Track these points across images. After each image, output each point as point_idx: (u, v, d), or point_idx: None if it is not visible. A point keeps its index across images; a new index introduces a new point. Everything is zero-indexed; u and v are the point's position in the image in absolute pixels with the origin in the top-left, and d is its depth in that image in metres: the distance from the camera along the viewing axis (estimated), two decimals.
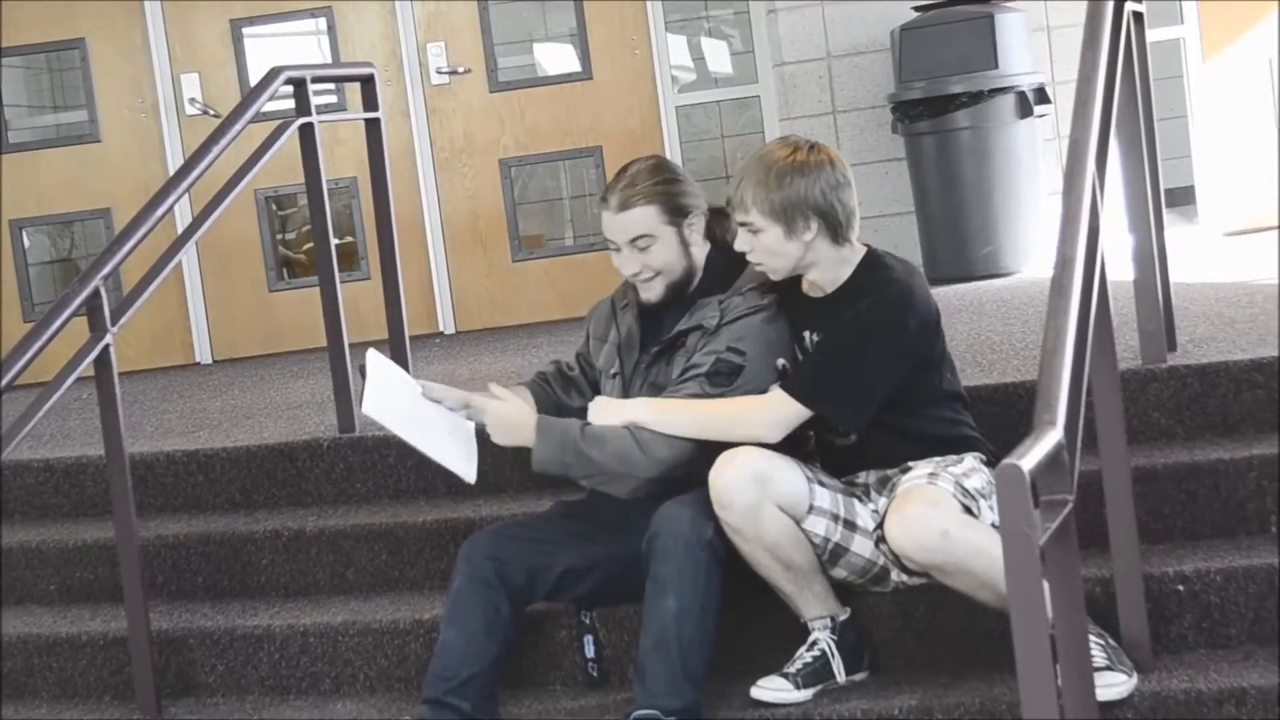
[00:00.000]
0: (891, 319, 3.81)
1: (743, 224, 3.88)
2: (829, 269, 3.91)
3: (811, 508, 3.80)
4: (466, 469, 4.02)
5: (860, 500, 3.89)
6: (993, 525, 3.72)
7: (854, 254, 3.92)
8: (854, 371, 3.79)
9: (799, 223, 3.83)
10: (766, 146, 3.95)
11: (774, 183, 3.83)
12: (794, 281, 3.98)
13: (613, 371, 4.16)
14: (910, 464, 3.86)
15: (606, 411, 3.96)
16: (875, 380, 3.80)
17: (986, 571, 3.56)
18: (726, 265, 4.09)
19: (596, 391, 4.21)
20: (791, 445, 3.90)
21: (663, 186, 4.04)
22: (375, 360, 4.09)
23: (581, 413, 4.08)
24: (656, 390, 4.06)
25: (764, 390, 3.92)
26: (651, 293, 4.07)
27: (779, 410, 3.83)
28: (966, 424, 3.94)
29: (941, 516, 3.59)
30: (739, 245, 3.92)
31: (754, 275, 4.04)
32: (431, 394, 4.09)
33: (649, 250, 4.03)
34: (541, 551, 4.03)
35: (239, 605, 4.68)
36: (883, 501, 3.85)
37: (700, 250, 4.10)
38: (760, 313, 3.99)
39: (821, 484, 3.84)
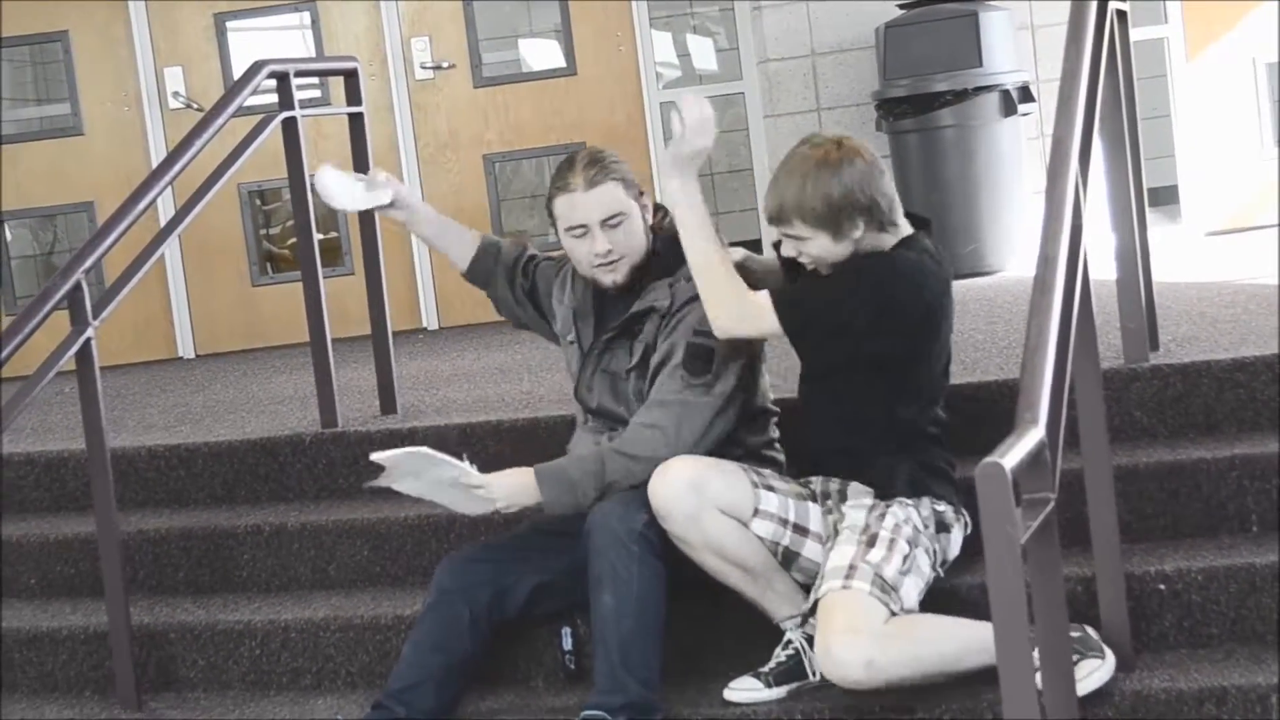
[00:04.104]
0: (875, 273, 3.77)
1: (786, 235, 3.82)
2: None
3: (757, 511, 3.80)
4: (477, 508, 3.98)
5: (814, 502, 3.89)
6: (931, 571, 3.79)
7: (897, 234, 3.86)
8: (820, 290, 3.78)
9: (845, 225, 3.76)
10: (793, 151, 3.84)
11: (810, 190, 3.74)
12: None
13: (570, 339, 4.17)
14: (848, 495, 3.85)
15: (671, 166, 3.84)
16: (839, 319, 3.76)
17: (925, 670, 3.61)
18: (667, 248, 4.05)
19: (532, 301, 4.30)
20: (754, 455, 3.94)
21: (619, 165, 4.05)
22: (386, 458, 3.98)
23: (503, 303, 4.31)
24: (609, 377, 4.06)
25: (741, 375, 3.93)
26: (617, 274, 4.03)
27: (762, 307, 3.77)
28: (920, 451, 3.89)
29: (864, 647, 3.55)
30: (786, 251, 3.85)
31: None
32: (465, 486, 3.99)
33: (619, 227, 4.00)
34: (510, 571, 4.05)
35: (220, 600, 4.67)
36: (828, 525, 3.85)
37: (648, 232, 4.10)
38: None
39: (770, 489, 3.83)
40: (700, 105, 3.84)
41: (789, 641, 3.90)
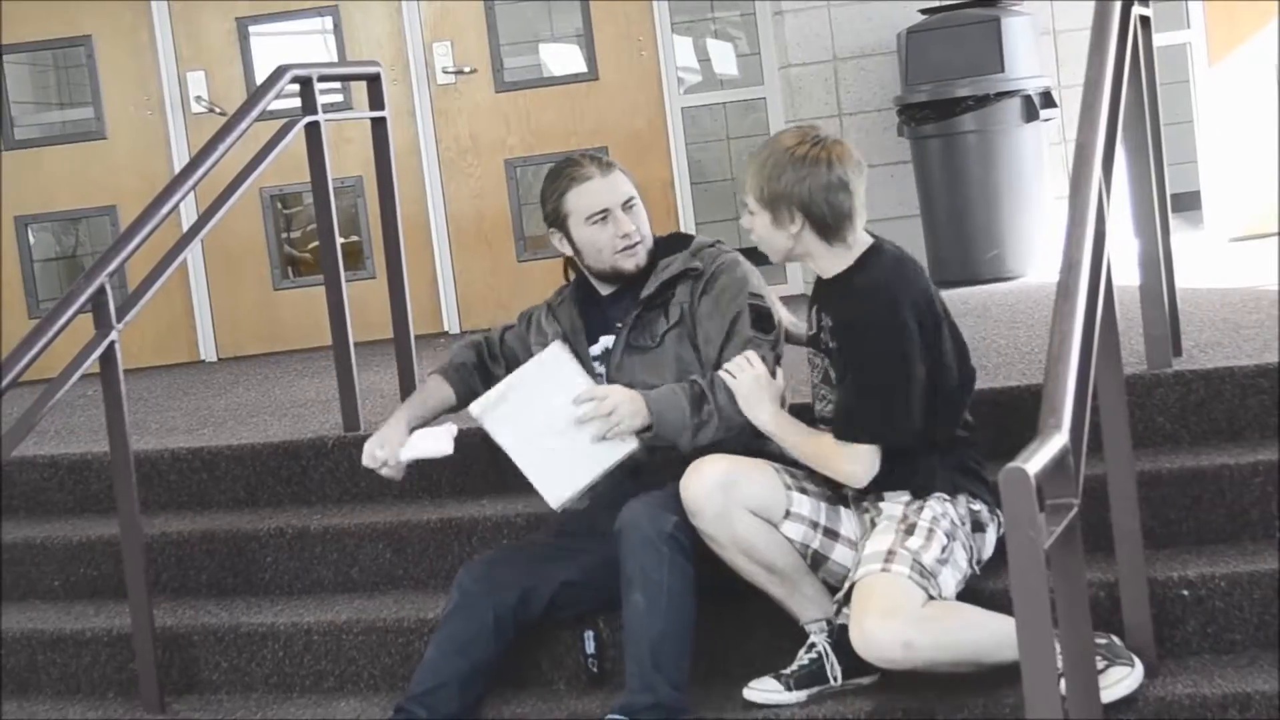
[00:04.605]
0: (889, 328, 3.76)
1: (743, 203, 3.92)
2: (823, 262, 3.90)
3: (788, 513, 3.83)
4: (555, 491, 3.99)
5: (846, 506, 3.90)
6: (969, 566, 3.78)
7: (850, 252, 3.88)
8: (887, 395, 3.76)
9: (784, 215, 3.83)
10: (781, 131, 3.95)
11: (768, 171, 3.83)
12: None
13: None
14: (884, 495, 3.86)
15: (748, 405, 3.90)
16: (906, 390, 3.76)
17: (959, 656, 3.62)
18: (665, 242, 4.22)
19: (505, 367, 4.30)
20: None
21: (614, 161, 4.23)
22: (551, 356, 4.05)
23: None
24: (641, 353, 4.09)
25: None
26: (638, 257, 4.14)
27: (861, 458, 3.79)
28: (953, 453, 3.89)
29: (901, 628, 3.57)
30: (743, 220, 3.95)
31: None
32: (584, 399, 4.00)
33: (634, 211, 4.14)
34: (534, 573, 4.06)
35: (243, 603, 4.69)
36: (864, 523, 3.87)
37: None
38: (736, 260, 4.14)
39: (804, 491, 3.86)
40: (746, 371, 3.92)
41: (812, 644, 3.90)
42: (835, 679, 3.87)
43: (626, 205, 4.12)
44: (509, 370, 4.25)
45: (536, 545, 4.17)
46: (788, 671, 3.89)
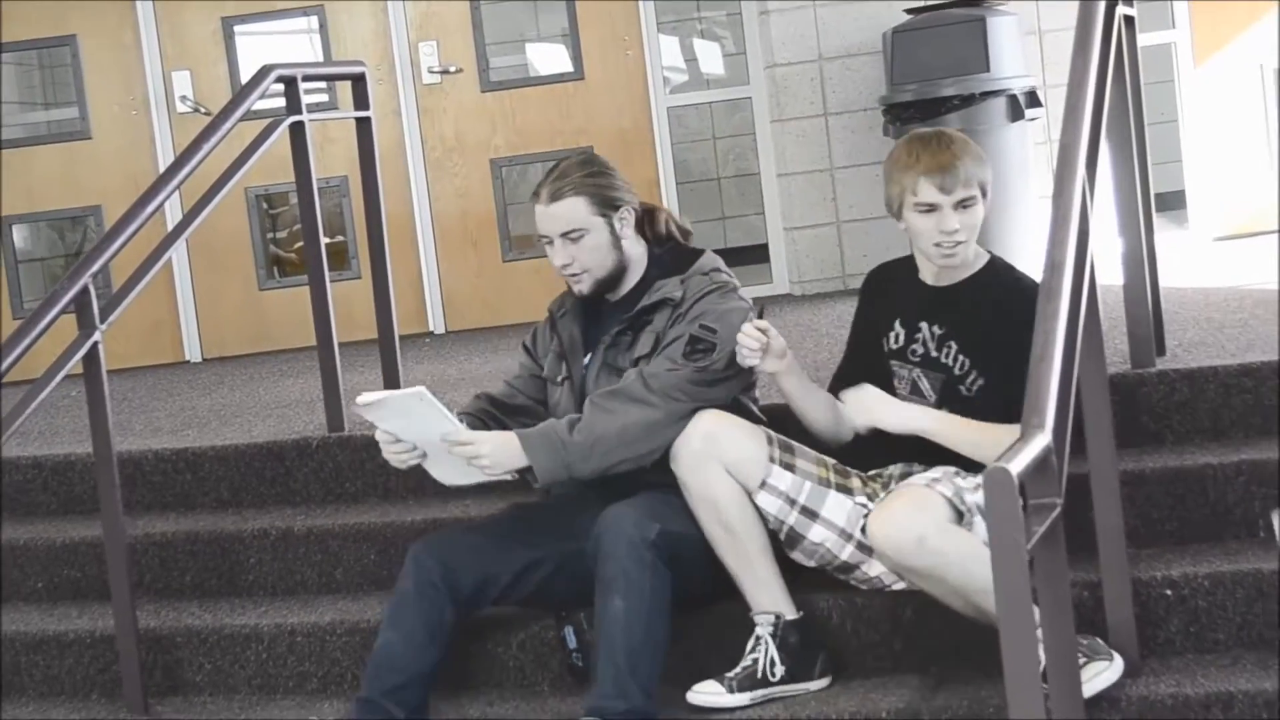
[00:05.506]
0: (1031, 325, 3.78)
1: (960, 203, 3.86)
2: (972, 249, 3.95)
3: (764, 484, 3.84)
4: (446, 475, 4.04)
5: (844, 493, 3.88)
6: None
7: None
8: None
9: (986, 196, 3.92)
10: (934, 132, 3.94)
11: (982, 160, 3.90)
12: (901, 270, 4.04)
13: (560, 378, 4.19)
14: (935, 466, 3.87)
15: (882, 410, 3.84)
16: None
17: (959, 581, 3.59)
18: (672, 256, 4.17)
19: (537, 407, 4.21)
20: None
21: (591, 180, 4.12)
22: (416, 397, 3.97)
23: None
24: (616, 374, 4.08)
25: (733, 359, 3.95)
26: (582, 285, 4.13)
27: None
28: None
29: (923, 521, 3.58)
30: (947, 225, 3.87)
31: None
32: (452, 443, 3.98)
33: (580, 242, 4.09)
34: (493, 558, 4.04)
35: (227, 604, 4.68)
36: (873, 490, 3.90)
37: (633, 245, 4.15)
38: (722, 289, 4.08)
39: (790, 468, 3.86)
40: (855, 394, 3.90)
41: (756, 640, 3.89)
42: (773, 677, 3.87)
43: (568, 236, 4.09)
44: (527, 402, 4.25)
45: (492, 528, 4.14)
46: (731, 674, 3.89)
